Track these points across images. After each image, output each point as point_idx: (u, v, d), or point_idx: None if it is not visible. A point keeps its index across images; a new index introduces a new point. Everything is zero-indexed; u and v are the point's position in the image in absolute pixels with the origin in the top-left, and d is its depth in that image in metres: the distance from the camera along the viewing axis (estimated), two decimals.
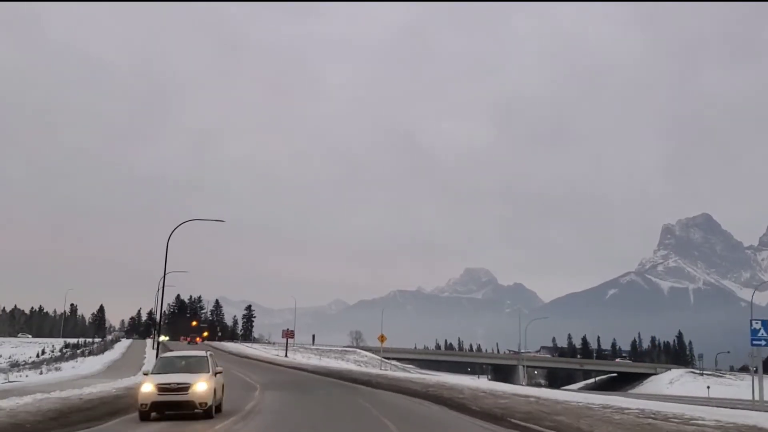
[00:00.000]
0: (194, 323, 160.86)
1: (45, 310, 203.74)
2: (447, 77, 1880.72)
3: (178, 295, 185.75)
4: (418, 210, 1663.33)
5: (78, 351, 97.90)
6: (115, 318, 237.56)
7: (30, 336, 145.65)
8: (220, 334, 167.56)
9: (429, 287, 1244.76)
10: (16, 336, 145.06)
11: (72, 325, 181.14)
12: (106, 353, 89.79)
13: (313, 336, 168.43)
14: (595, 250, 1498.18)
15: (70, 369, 62.46)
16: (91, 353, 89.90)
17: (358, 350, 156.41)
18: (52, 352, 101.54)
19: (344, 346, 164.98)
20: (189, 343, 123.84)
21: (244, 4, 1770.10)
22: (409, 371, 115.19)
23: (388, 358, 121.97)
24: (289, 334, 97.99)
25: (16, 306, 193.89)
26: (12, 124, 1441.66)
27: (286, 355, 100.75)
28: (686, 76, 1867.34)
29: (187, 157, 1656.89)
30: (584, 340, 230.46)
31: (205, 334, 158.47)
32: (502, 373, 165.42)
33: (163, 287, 49.39)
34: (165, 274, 46.51)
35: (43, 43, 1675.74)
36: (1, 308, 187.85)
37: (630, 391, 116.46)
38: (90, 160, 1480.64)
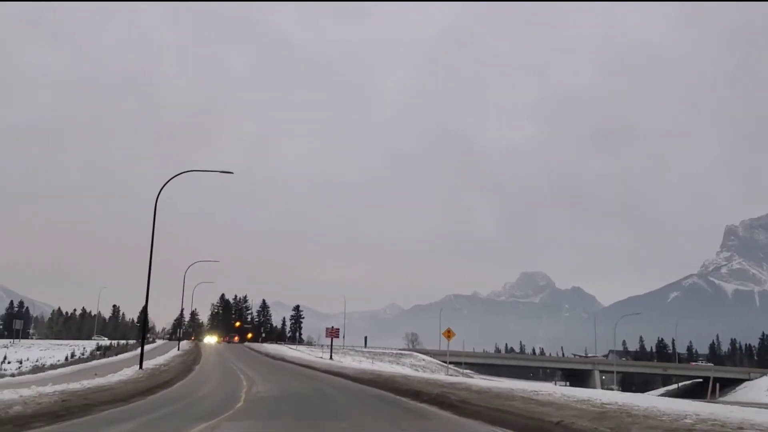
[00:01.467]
0: (237, 324, 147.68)
1: (89, 311, 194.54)
2: (498, 76, 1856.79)
3: (223, 295, 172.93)
4: (473, 213, 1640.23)
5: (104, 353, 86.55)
6: (163, 320, 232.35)
7: (106, 339, 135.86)
8: (264, 335, 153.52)
9: (485, 291, 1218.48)
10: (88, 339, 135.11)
11: (112, 327, 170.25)
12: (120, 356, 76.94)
13: (365, 338, 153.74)
14: (655, 252, 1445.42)
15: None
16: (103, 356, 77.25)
17: (415, 353, 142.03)
18: (82, 354, 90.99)
19: (399, 349, 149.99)
20: (228, 342, 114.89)
21: (294, 8, 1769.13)
22: (471, 377, 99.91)
23: (446, 362, 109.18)
24: (333, 332, 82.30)
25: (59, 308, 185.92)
26: (67, 130, 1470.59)
27: (330, 358, 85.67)
28: (749, 71, 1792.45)
29: (242, 163, 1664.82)
30: (661, 343, 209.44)
31: (249, 335, 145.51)
32: (575, 378, 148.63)
33: (150, 268, 34.44)
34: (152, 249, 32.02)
35: (97, 55, 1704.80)
36: (55, 310, 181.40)
37: (723, 399, 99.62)
38: (146, 165, 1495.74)
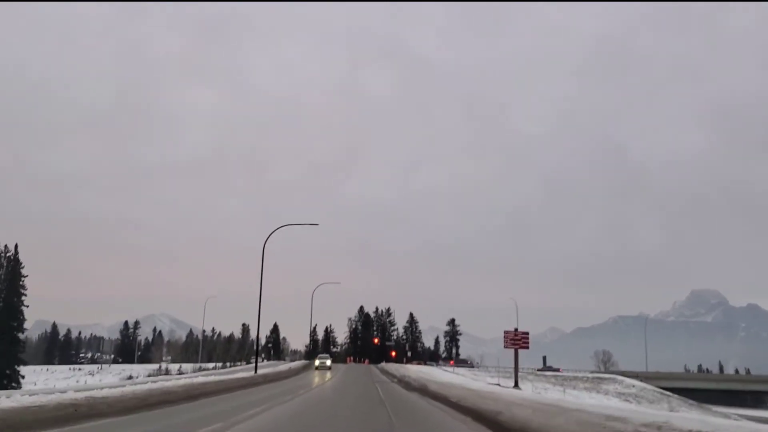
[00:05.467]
0: (376, 341, 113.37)
1: (218, 332, 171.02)
2: (654, 85, 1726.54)
3: (362, 308, 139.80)
4: (634, 229, 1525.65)
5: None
6: (298, 340, 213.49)
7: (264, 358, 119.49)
8: (409, 354, 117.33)
9: (653, 312, 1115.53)
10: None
11: (237, 348, 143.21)
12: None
13: (544, 358, 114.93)
14: None
15: None
16: None
17: (618, 377, 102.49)
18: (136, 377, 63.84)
19: (591, 372, 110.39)
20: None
21: (434, 29, 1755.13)
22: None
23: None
24: (518, 339, 45.08)
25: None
26: (227, 164, 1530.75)
27: (516, 385, 48.31)
28: None
29: (387, 188, 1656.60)
30: None
31: (393, 354, 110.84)
32: None
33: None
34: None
35: (247, 89, 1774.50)
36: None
37: None
38: (296, 192, 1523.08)
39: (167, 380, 31.99)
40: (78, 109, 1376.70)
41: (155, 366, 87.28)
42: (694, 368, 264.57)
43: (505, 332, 47.16)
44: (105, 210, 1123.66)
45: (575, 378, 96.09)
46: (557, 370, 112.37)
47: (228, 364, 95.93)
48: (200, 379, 29.37)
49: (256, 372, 44.93)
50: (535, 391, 63.19)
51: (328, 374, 54.17)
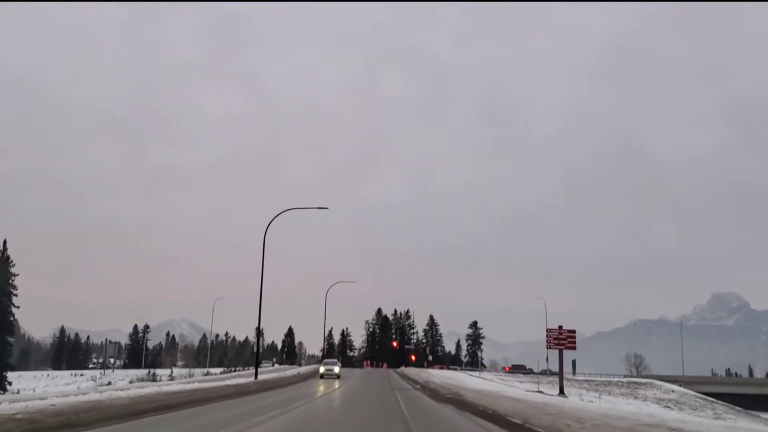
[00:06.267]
0: (395, 344, 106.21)
1: (233, 336, 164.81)
2: (672, 84, 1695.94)
3: (379, 310, 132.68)
4: (653, 232, 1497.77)
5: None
6: (314, 344, 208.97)
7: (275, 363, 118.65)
8: (430, 358, 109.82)
9: (673, 315, 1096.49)
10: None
11: (250, 352, 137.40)
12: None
13: (573, 362, 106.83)
14: None
15: None
16: None
17: (655, 381, 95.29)
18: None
19: (625, 377, 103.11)
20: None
21: (445, 32, 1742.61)
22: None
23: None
24: (562, 336, 37.53)
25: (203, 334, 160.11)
26: (244, 168, 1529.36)
27: (561, 392, 41.09)
28: None
29: (403, 190, 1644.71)
30: None
31: (413, 357, 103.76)
32: None
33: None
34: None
35: (264, 93, 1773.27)
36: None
37: None
38: (312, 196, 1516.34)
39: (124, 390, 25.08)
40: (96, 115, 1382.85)
41: (155, 371, 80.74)
42: (721, 372, 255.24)
43: (548, 330, 39.82)
44: (124, 215, 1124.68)
45: (609, 383, 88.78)
46: (529, 369, 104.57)
47: (233, 368, 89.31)
48: (171, 387, 24.52)
49: (256, 378, 39.89)
50: (580, 399, 55.91)
51: (337, 382, 46.59)
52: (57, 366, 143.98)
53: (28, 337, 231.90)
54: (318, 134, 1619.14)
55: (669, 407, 79.61)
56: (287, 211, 41.58)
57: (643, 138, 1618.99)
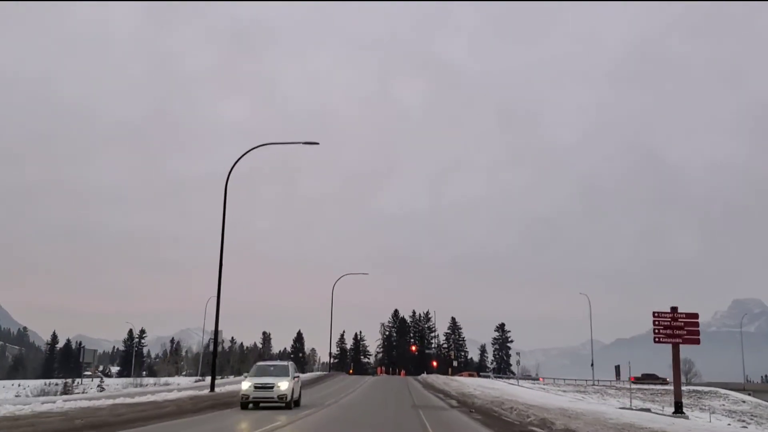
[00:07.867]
0: (414, 348, 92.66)
1: (240, 342, 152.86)
2: (691, 89, 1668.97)
3: (396, 312, 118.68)
4: (673, 237, 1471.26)
5: None
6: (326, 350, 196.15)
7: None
8: (455, 363, 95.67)
9: None
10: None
11: (254, 358, 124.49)
12: None
13: (617, 367, 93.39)
14: None
15: None
16: None
17: (719, 390, 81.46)
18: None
19: (690, 384, 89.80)
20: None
21: (461, 38, 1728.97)
22: None
23: None
24: (678, 326, 22.39)
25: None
26: (260, 176, 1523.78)
27: (678, 410, 26.55)
28: None
29: (420, 198, 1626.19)
30: None
31: (434, 364, 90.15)
32: None
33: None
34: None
35: (279, 101, 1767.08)
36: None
37: None
38: (328, 204, 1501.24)
39: None
40: (112, 124, 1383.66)
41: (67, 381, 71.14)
42: (755, 380, 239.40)
43: (656, 315, 25.51)
44: (142, 224, 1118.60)
45: (664, 391, 74.66)
46: (662, 379, 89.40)
47: (203, 377, 76.41)
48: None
49: (212, 390, 30.60)
50: (632, 416, 41.79)
51: (339, 390, 32.47)
52: (48, 374, 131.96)
53: (38, 347, 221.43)
54: (334, 142, 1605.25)
55: (744, 420, 65.53)
56: (265, 145, 35.37)
57: (662, 143, 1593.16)
